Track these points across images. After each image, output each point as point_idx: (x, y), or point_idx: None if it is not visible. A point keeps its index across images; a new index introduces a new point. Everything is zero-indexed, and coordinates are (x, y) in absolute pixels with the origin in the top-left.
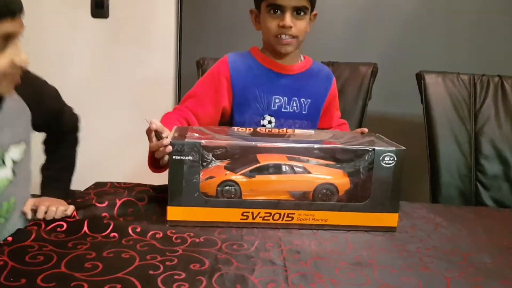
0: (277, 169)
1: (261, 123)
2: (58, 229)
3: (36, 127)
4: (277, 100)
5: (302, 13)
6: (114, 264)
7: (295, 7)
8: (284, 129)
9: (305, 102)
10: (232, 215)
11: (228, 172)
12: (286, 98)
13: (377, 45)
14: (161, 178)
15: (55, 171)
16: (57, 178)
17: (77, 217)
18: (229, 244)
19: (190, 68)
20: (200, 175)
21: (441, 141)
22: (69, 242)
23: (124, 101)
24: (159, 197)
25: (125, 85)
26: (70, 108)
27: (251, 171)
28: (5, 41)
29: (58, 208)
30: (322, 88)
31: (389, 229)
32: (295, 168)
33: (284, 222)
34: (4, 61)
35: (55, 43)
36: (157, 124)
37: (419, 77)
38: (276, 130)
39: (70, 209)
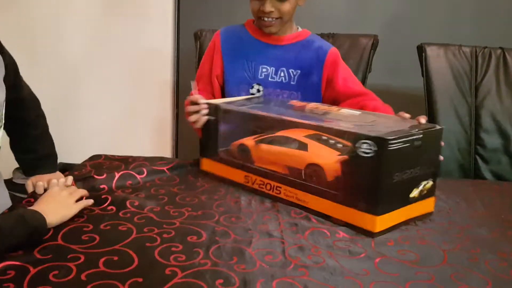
0: (283, 142)
1: (250, 92)
2: None
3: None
4: (264, 70)
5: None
6: (111, 236)
7: None
8: (334, 107)
9: (294, 73)
10: (238, 176)
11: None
12: (274, 68)
13: (378, 16)
14: (157, 150)
15: (38, 151)
16: (44, 156)
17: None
18: (227, 216)
19: (188, 40)
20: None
21: (441, 114)
22: None
23: (123, 73)
24: (156, 170)
25: (124, 57)
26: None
27: (263, 140)
28: None
29: (59, 180)
30: (314, 59)
31: (366, 233)
32: (298, 143)
33: (273, 194)
34: None
35: (52, 15)
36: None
37: (420, 49)
38: (324, 107)
39: (70, 179)
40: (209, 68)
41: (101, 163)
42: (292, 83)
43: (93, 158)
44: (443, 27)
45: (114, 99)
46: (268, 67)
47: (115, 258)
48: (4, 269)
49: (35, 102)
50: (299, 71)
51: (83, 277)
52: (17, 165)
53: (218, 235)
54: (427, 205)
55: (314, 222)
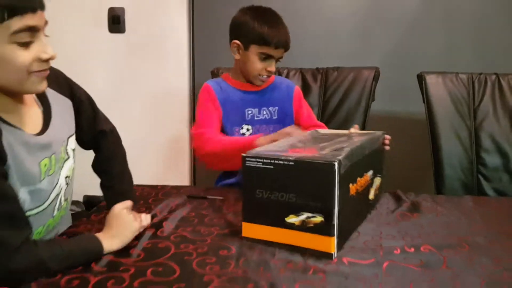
0: None
1: (241, 132)
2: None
3: (77, 116)
4: (249, 112)
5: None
6: (153, 252)
7: (279, 57)
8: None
9: (273, 110)
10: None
11: None
12: (257, 109)
13: (379, 49)
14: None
15: (115, 187)
16: (120, 192)
17: None
18: None
19: (203, 78)
20: None
21: (443, 137)
22: None
23: (141, 112)
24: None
25: (142, 96)
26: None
27: None
28: (30, 37)
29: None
30: (285, 95)
31: (324, 255)
32: None
33: None
34: (29, 56)
35: (75, 58)
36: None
37: (420, 78)
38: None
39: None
40: (214, 111)
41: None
42: (274, 117)
43: None
44: (440, 57)
45: (134, 132)
46: (252, 109)
47: (160, 269)
48: (69, 280)
49: (115, 138)
50: (276, 108)
51: (136, 284)
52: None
53: (245, 248)
54: (324, 244)
55: None
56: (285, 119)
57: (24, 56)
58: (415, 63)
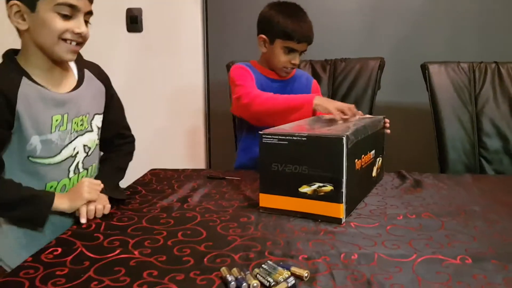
0: None
1: None
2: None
3: (106, 108)
4: None
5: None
6: (181, 220)
7: (303, 50)
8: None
9: None
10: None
11: None
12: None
13: (385, 41)
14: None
15: (111, 168)
16: (109, 176)
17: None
18: None
19: (218, 72)
20: None
21: (446, 122)
22: (143, 208)
23: (159, 107)
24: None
25: (160, 92)
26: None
27: None
28: (70, 13)
29: (97, 207)
30: (305, 87)
31: (334, 220)
32: None
33: None
34: (63, 26)
35: (95, 57)
36: None
37: (424, 68)
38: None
39: (107, 209)
40: (253, 79)
41: (158, 173)
42: None
43: (151, 171)
44: (443, 47)
45: (154, 126)
46: None
47: (188, 232)
48: (110, 241)
49: (129, 147)
50: None
51: (169, 243)
52: None
53: (263, 217)
54: (334, 210)
55: None
56: None
57: (60, 24)
58: (419, 54)
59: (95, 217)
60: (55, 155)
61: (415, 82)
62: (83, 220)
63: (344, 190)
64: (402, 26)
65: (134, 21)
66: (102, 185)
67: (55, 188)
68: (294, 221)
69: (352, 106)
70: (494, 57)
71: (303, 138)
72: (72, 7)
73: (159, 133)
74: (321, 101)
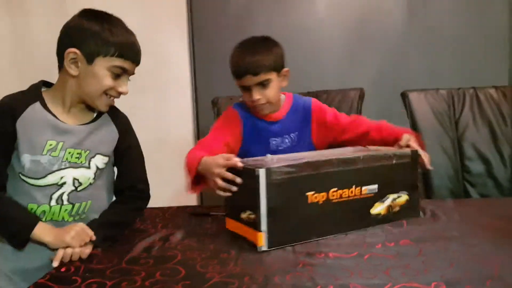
0: None
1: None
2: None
3: (117, 155)
4: (274, 142)
5: (266, 84)
6: (161, 259)
7: (258, 83)
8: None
9: (294, 135)
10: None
11: None
12: (280, 138)
13: (365, 71)
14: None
15: (110, 219)
16: (104, 225)
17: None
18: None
19: (206, 107)
20: None
21: (428, 149)
22: (125, 249)
23: (149, 144)
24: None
25: (148, 129)
26: (146, 177)
27: None
28: (120, 74)
29: (74, 251)
30: (302, 118)
31: (255, 247)
32: None
33: None
34: (112, 83)
35: None
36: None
37: (404, 96)
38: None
39: (84, 254)
40: (225, 134)
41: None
42: (294, 144)
43: None
44: (422, 75)
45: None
46: (276, 139)
47: (168, 271)
48: (88, 284)
49: (140, 203)
50: (296, 132)
51: (146, 283)
52: None
53: (243, 251)
54: (255, 237)
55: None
56: (305, 142)
57: (109, 82)
58: (399, 82)
59: (71, 260)
60: (40, 178)
61: (396, 111)
62: (55, 264)
63: (262, 219)
64: (381, 56)
65: None
66: (90, 237)
67: (35, 212)
68: (274, 254)
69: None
70: (472, 82)
71: (239, 169)
72: (124, 69)
73: (148, 170)
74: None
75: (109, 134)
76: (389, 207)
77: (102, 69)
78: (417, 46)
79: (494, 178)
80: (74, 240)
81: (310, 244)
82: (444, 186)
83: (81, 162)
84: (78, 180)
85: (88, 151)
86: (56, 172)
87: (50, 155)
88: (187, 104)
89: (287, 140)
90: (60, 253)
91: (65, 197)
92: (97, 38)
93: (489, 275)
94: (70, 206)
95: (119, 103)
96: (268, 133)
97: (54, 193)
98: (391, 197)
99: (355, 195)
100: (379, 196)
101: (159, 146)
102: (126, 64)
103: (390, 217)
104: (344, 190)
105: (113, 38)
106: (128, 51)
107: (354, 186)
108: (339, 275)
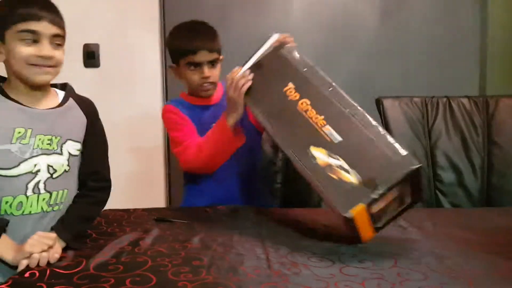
0: None
1: None
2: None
3: (84, 142)
4: (211, 126)
5: (215, 64)
6: (131, 265)
7: (209, 61)
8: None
9: None
10: None
11: None
12: (212, 123)
13: (340, 77)
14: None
15: (76, 215)
16: (71, 223)
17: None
18: (222, 246)
19: None
20: None
21: None
22: (93, 253)
23: (118, 142)
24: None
25: (118, 126)
26: (109, 166)
27: None
28: (35, 39)
29: (41, 255)
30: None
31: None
32: None
33: None
34: (28, 50)
35: None
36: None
37: (378, 102)
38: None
39: (53, 258)
40: (189, 125)
41: (107, 214)
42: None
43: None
44: (396, 82)
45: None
46: (211, 124)
47: (138, 278)
48: None
49: (103, 191)
50: None
51: None
52: None
53: (216, 259)
54: None
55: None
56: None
57: (24, 50)
58: (372, 87)
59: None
60: (13, 167)
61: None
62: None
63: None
64: (356, 62)
65: (91, 57)
66: (53, 239)
67: (11, 205)
68: (247, 263)
69: (233, 77)
70: (445, 91)
71: None
72: (34, 32)
73: (115, 169)
74: (228, 115)
75: (77, 119)
76: (328, 167)
77: (13, 41)
78: (390, 52)
79: (465, 188)
80: (35, 246)
81: (284, 252)
82: None
83: (53, 148)
84: (52, 166)
85: (59, 137)
86: (29, 160)
87: (20, 142)
88: (157, 102)
89: None
90: (23, 262)
91: (41, 185)
92: None
93: None
94: (48, 194)
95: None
96: (209, 118)
97: (29, 182)
98: (339, 163)
99: (316, 123)
100: (331, 149)
101: (128, 145)
102: (31, 25)
103: (320, 177)
104: (312, 110)
105: (11, 8)
106: (28, 12)
107: (321, 116)
108: (314, 286)
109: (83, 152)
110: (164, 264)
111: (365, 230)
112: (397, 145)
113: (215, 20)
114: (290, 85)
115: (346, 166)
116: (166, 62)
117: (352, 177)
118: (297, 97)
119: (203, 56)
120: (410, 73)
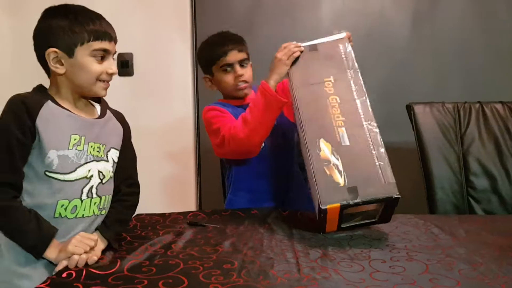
0: None
1: None
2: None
3: (120, 150)
4: None
5: (245, 65)
6: (164, 268)
7: (239, 60)
8: None
9: None
10: None
11: None
12: None
13: (371, 83)
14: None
15: (114, 218)
16: (112, 225)
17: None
18: (252, 250)
19: None
20: None
21: (433, 163)
22: (127, 255)
23: (150, 150)
24: (192, 222)
25: (151, 134)
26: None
27: None
28: (103, 56)
29: (80, 257)
30: None
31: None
32: None
33: None
34: (100, 68)
35: None
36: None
37: (409, 108)
38: None
39: (91, 260)
40: (231, 115)
41: (143, 218)
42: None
43: (136, 216)
44: (428, 88)
45: (143, 167)
46: None
47: (170, 280)
48: None
49: (135, 197)
50: None
51: None
52: None
53: (246, 263)
54: None
55: (323, 251)
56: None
57: (96, 67)
58: (404, 94)
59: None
60: (70, 172)
61: (401, 122)
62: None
63: None
64: (387, 67)
65: (125, 66)
66: (94, 241)
67: (66, 208)
68: (278, 267)
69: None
70: (478, 97)
71: None
72: (105, 51)
73: (148, 175)
74: (270, 76)
75: (116, 129)
76: (327, 162)
77: (85, 57)
78: (423, 58)
79: (499, 195)
80: (77, 248)
81: (314, 256)
82: (448, 201)
83: (101, 155)
84: (102, 172)
85: (104, 145)
86: (84, 166)
87: (76, 149)
88: (188, 109)
89: None
90: (63, 263)
91: (94, 190)
92: (68, 30)
93: None
94: (98, 199)
95: (120, 108)
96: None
97: (84, 186)
98: (337, 164)
99: (335, 121)
100: (336, 149)
101: (160, 152)
102: (104, 45)
103: (317, 167)
104: (338, 108)
105: (83, 25)
106: (101, 31)
107: (342, 118)
108: None
109: (118, 158)
110: (195, 267)
111: (331, 225)
112: (389, 173)
113: (244, 29)
114: (331, 78)
115: (341, 168)
116: (197, 71)
117: (341, 179)
118: (332, 91)
119: (233, 55)
120: (444, 79)
